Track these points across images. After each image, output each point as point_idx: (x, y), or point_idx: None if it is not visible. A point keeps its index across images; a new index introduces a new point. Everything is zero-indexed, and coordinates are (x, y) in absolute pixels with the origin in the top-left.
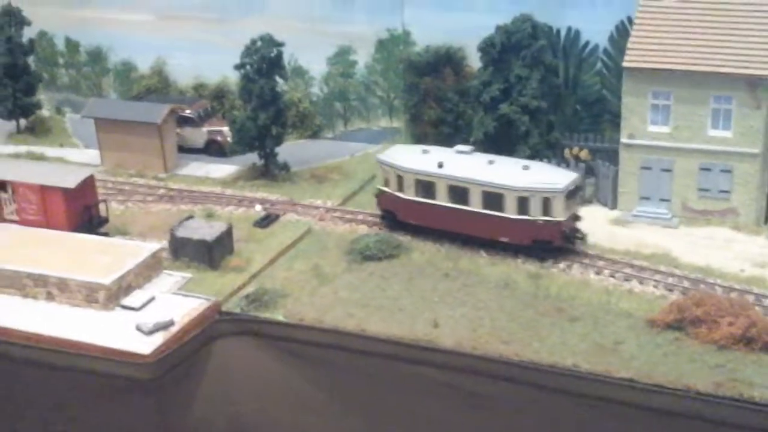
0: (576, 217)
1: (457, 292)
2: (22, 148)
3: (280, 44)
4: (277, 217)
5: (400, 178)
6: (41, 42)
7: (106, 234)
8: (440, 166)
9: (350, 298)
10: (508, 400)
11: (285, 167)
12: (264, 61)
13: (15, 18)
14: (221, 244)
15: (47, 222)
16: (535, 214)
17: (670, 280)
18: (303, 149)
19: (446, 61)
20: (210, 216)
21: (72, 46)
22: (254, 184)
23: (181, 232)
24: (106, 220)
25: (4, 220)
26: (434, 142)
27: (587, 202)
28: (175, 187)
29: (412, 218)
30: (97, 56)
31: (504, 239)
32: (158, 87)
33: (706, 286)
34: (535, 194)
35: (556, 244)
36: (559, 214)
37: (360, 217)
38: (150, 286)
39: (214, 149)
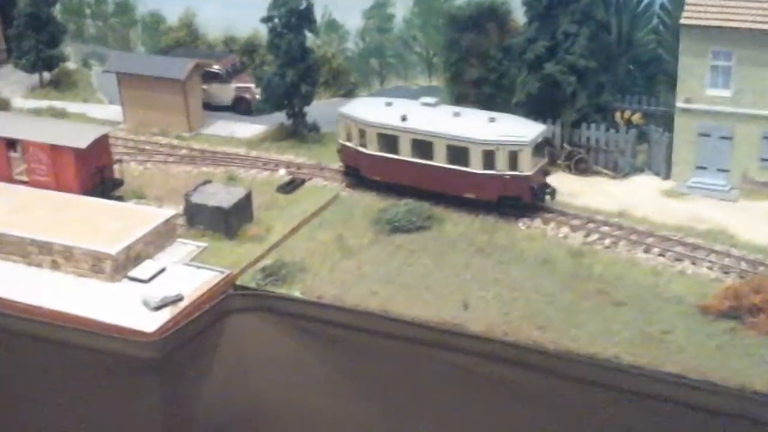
0: (545, 172)
1: (491, 270)
2: (44, 103)
3: None
4: (302, 181)
5: (362, 132)
6: None
7: (120, 198)
8: (403, 119)
9: (374, 273)
10: (539, 392)
11: (314, 128)
12: (292, 14)
13: None
14: (239, 212)
15: (57, 184)
16: (502, 169)
17: (726, 261)
18: (336, 108)
19: (490, 15)
20: (232, 179)
21: None
22: (281, 146)
23: (197, 198)
24: (120, 183)
25: (14, 181)
26: (475, 103)
27: (638, 170)
28: (197, 148)
29: (375, 174)
30: (124, 7)
31: (470, 195)
32: (187, 41)
33: (766, 269)
34: (500, 147)
35: (525, 200)
36: (526, 168)
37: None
38: (162, 256)
39: (242, 107)
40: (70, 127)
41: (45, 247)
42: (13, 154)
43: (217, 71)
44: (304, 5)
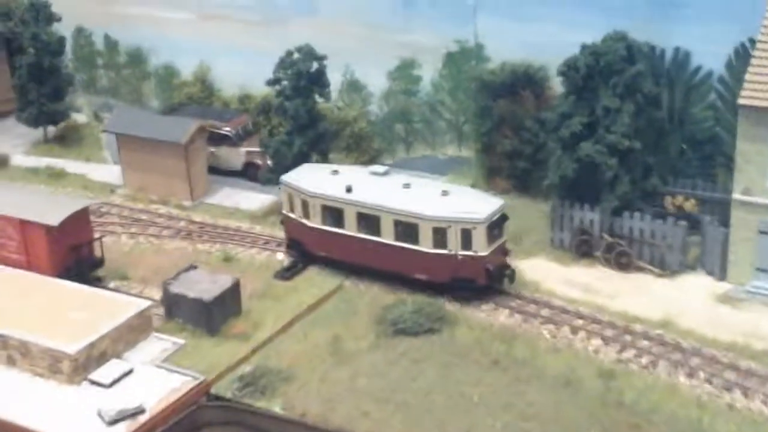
0: (504, 251)
1: (505, 390)
2: (44, 161)
3: (321, 57)
4: (303, 267)
5: (304, 203)
6: (79, 40)
7: (99, 279)
8: (348, 190)
9: (369, 387)
10: None
11: None
12: (300, 77)
13: (41, 13)
14: (223, 304)
15: (29, 263)
16: (454, 248)
17: None
18: None
19: (525, 81)
20: (227, 260)
21: (111, 45)
22: None
23: (177, 287)
24: (100, 262)
25: None
26: (509, 177)
27: (689, 268)
28: (197, 220)
29: (320, 249)
30: (137, 58)
31: (420, 276)
32: (200, 97)
33: None
34: (452, 224)
35: (479, 282)
36: (481, 248)
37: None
38: (132, 354)
39: (252, 173)
40: (45, 200)
41: (1, 341)
42: None
43: (226, 133)
44: (314, 67)
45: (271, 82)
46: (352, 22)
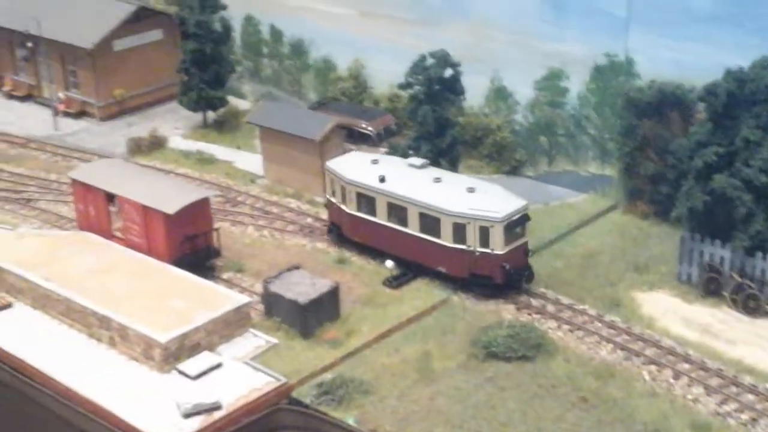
0: (524, 252)
1: (586, 431)
2: (197, 146)
3: (456, 64)
4: (414, 276)
5: (343, 189)
6: (248, 28)
7: (212, 269)
8: (381, 180)
9: (447, 410)
10: None
11: None
12: (433, 83)
13: (208, 0)
14: (319, 308)
15: (149, 247)
16: (472, 244)
17: None
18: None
19: (673, 102)
20: (340, 262)
21: (276, 35)
22: None
23: (276, 286)
24: (217, 253)
25: (112, 237)
26: (650, 202)
27: None
28: (324, 218)
29: (354, 235)
30: (299, 49)
31: (441, 269)
32: (353, 93)
33: None
34: (471, 221)
35: (496, 280)
36: (497, 247)
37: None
38: (226, 348)
39: None
40: (170, 187)
41: (105, 322)
42: (112, 209)
43: (367, 132)
44: (449, 73)
45: (403, 86)
46: (503, 27)
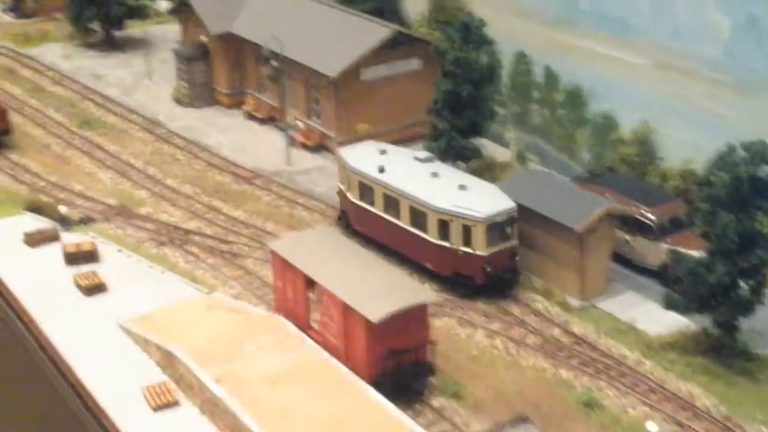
0: (510, 255)
1: None
2: None
3: None
4: None
5: (349, 178)
6: (518, 66)
7: (420, 392)
8: (381, 170)
9: None
10: None
11: (744, 351)
12: (741, 184)
13: (472, 34)
14: None
15: (346, 354)
16: (456, 243)
17: None
18: None
19: None
20: (587, 406)
21: (551, 78)
22: (690, 365)
23: None
24: (430, 370)
25: (308, 329)
26: None
27: None
28: (574, 331)
29: (357, 224)
30: (575, 99)
31: (428, 265)
32: (636, 161)
33: None
34: (454, 219)
35: (477, 281)
36: (479, 247)
37: None
38: None
39: (672, 278)
40: (385, 280)
41: None
42: (311, 296)
43: (647, 220)
44: (765, 172)
45: (701, 183)
46: None
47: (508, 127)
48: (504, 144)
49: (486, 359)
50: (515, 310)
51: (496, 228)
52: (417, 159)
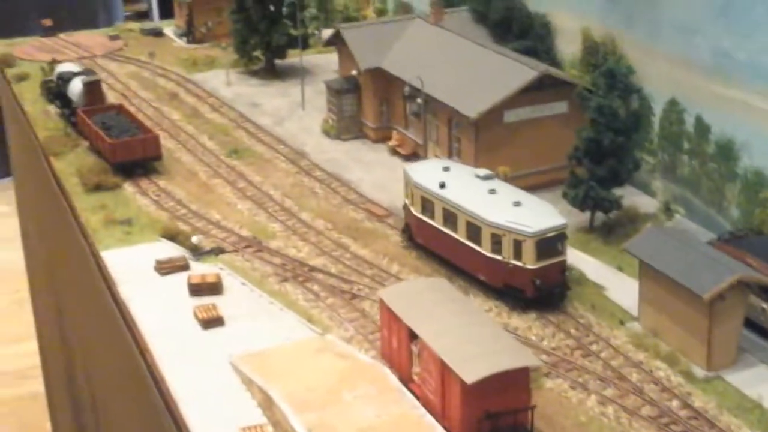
0: (560, 269)
1: None
2: (572, 253)
3: None
4: None
5: (412, 192)
6: (670, 114)
7: None
8: (441, 186)
9: None
10: None
11: None
12: None
13: (619, 81)
14: None
15: (442, 412)
16: (507, 256)
17: None
18: None
19: None
20: None
21: (702, 129)
22: None
23: None
24: None
25: (410, 381)
26: None
27: None
28: (695, 405)
29: (419, 237)
30: (727, 152)
31: (481, 277)
32: None
33: None
34: (506, 233)
35: (527, 294)
36: (528, 261)
37: None
38: None
39: None
40: (488, 339)
41: None
42: (414, 348)
43: None
44: None
45: None
46: None
47: (656, 176)
48: (650, 193)
49: (593, 428)
50: (633, 374)
51: (546, 243)
52: (477, 176)
